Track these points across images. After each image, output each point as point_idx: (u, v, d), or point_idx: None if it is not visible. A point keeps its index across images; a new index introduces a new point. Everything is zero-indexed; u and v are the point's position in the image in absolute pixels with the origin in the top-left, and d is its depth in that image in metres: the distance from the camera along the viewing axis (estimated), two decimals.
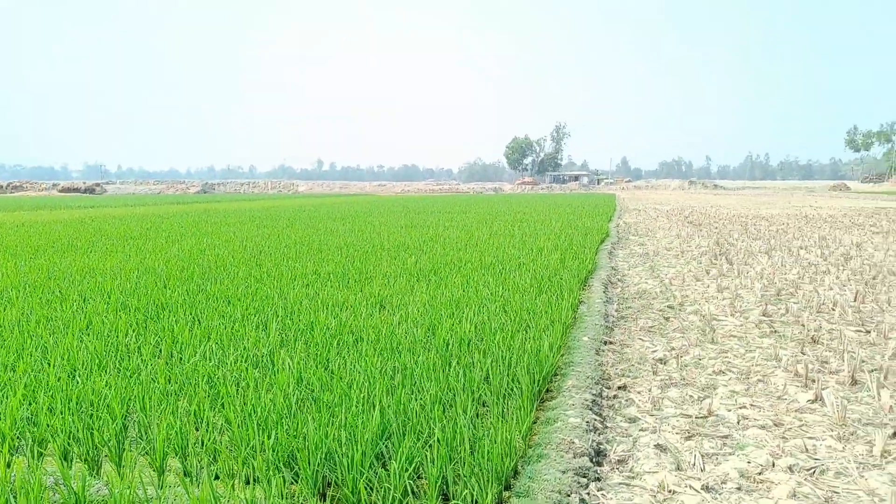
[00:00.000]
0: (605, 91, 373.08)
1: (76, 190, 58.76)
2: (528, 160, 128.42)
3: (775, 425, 2.74)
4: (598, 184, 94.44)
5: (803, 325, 4.52)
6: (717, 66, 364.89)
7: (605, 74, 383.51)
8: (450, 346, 3.28)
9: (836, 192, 54.65)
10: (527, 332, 3.67)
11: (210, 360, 3.11)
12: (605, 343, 4.05)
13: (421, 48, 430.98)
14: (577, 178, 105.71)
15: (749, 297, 5.67)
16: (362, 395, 2.51)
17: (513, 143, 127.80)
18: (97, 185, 62.93)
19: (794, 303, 5.38)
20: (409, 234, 10.49)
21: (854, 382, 3.27)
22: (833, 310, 5.04)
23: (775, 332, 4.41)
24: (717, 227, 14.03)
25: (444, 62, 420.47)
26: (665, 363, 3.69)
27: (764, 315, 4.89)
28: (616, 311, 5.12)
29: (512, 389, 2.77)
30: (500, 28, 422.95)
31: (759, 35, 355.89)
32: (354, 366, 2.97)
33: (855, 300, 5.43)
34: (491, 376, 2.86)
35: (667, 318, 4.90)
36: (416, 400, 2.49)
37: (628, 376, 3.41)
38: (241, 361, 3.08)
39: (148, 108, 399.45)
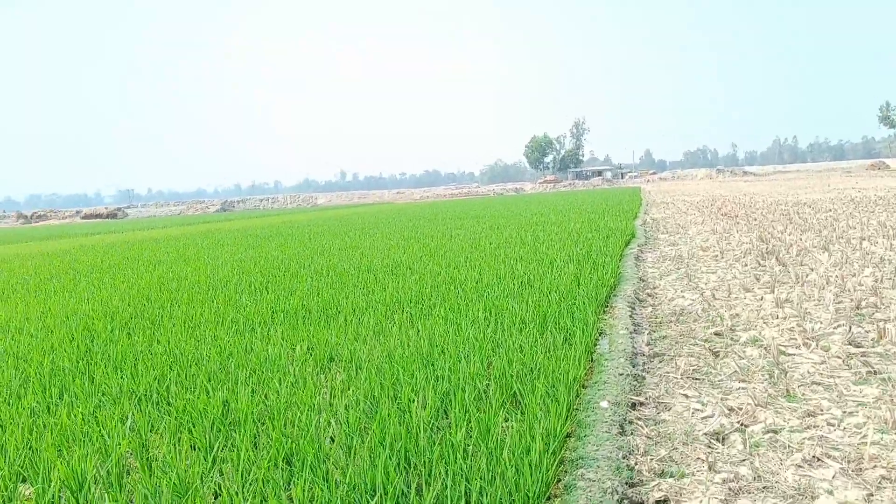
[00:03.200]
0: (624, 83, 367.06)
1: (99, 216, 59.22)
2: (548, 158, 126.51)
3: None
4: (623, 178, 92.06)
5: None
6: (737, 49, 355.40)
7: (623, 67, 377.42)
8: (387, 449, 2.12)
9: (875, 172, 51.74)
10: (517, 410, 2.51)
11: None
12: (633, 406, 2.86)
13: (439, 54, 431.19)
14: (599, 173, 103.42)
15: (820, 315, 4.39)
16: None
17: (532, 142, 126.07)
18: (119, 209, 63.49)
19: (885, 320, 4.09)
20: (409, 247, 9.39)
21: None
22: None
23: (875, 372, 3.15)
24: (755, 219, 12.57)
25: (461, 66, 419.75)
26: (724, 440, 2.49)
27: (851, 344, 3.62)
28: (647, 344, 3.91)
29: None
30: (516, 26, 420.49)
31: (778, 13, 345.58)
32: None
33: None
34: None
35: (716, 354, 3.67)
36: None
37: (670, 475, 2.22)
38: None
39: (177, 130, 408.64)
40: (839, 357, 3.41)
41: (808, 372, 3.24)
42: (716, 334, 4.09)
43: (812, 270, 6.16)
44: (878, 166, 63.91)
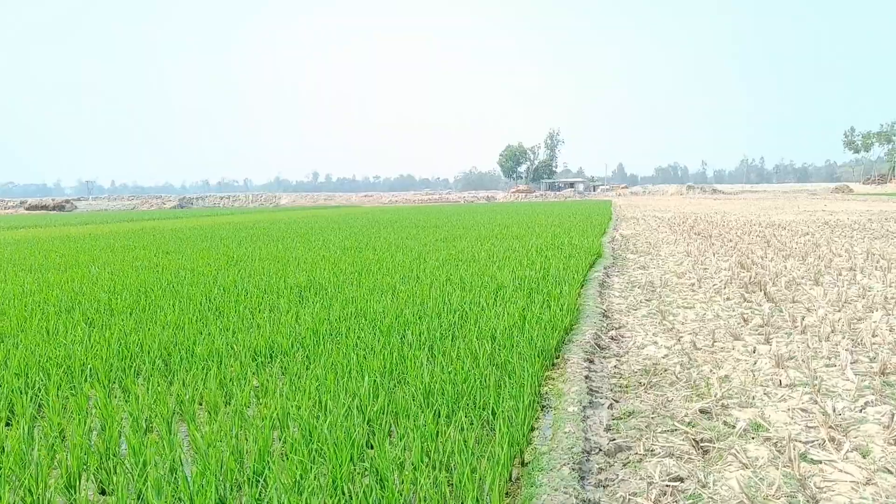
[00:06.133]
0: (599, 97, 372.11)
1: (45, 207, 55.81)
2: (522, 168, 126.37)
3: None
4: (594, 190, 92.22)
5: None
6: (711, 70, 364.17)
7: (599, 80, 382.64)
8: None
9: (840, 195, 52.51)
10: None
11: None
12: None
13: (417, 58, 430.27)
14: (572, 184, 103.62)
15: (837, 382, 3.28)
16: None
17: (506, 150, 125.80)
18: (67, 201, 60.00)
19: None
20: (343, 259, 8.09)
21: None
22: None
23: None
24: (731, 240, 11.66)
25: (438, 73, 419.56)
26: None
27: None
28: (607, 428, 2.71)
29: None
30: (494, 36, 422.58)
31: (752, 39, 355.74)
32: None
33: None
34: None
35: (705, 452, 2.50)
36: None
37: None
38: None
39: (145, 123, 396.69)
40: (890, 471, 2.27)
41: (847, 498, 2.09)
42: (702, 412, 2.93)
43: (808, 311, 5.10)
44: (841, 189, 65.21)
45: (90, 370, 3.09)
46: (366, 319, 4.14)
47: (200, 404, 2.86)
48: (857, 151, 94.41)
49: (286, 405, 2.45)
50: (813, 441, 2.55)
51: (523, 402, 2.49)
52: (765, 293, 5.81)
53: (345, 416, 2.35)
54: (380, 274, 6.52)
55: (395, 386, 2.76)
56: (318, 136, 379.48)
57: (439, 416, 2.48)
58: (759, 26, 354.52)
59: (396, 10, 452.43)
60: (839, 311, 5.06)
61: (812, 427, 2.70)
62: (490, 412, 2.50)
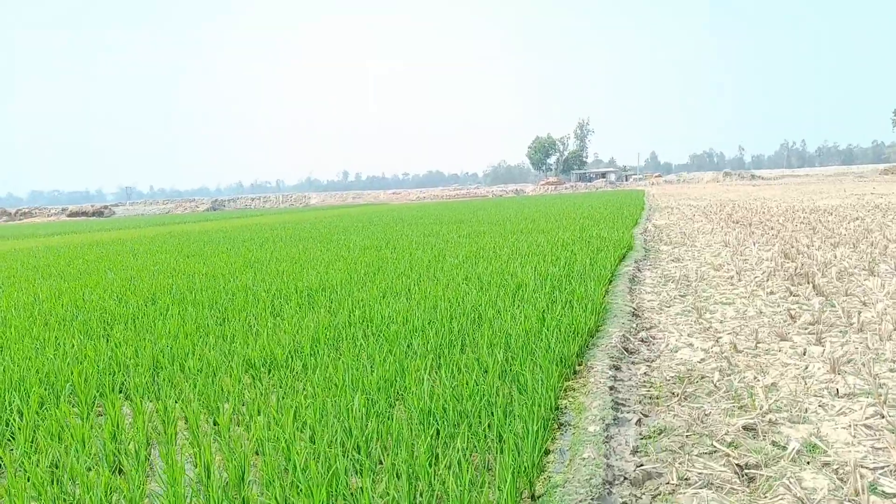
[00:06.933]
0: (630, 85, 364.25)
1: (84, 213, 57.68)
2: (551, 159, 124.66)
3: None
4: (627, 180, 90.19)
5: None
6: (746, 52, 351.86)
7: (629, 68, 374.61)
8: None
9: (890, 176, 49.93)
10: None
11: None
12: None
13: (445, 55, 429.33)
14: (603, 175, 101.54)
15: None
16: None
17: (535, 142, 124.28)
18: (106, 207, 61.81)
19: None
20: (360, 259, 7.86)
21: None
22: None
23: None
24: (772, 227, 10.98)
25: (465, 66, 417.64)
26: None
27: None
28: (634, 450, 2.36)
29: None
30: (523, 26, 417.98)
31: (788, 15, 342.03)
32: None
33: None
34: None
35: (751, 481, 2.13)
36: None
37: None
38: None
39: (182, 129, 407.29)
40: None
41: None
42: (746, 429, 2.54)
43: (865, 305, 4.59)
44: (891, 171, 62.01)
45: (70, 388, 2.89)
46: (372, 325, 3.86)
47: (185, 421, 2.63)
48: None
49: (265, 435, 2.17)
50: (883, 468, 2.15)
51: (534, 424, 2.15)
52: (813, 286, 5.30)
53: (329, 443, 2.05)
54: (395, 274, 6.24)
55: (391, 405, 2.46)
56: (349, 137, 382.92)
57: (437, 440, 2.17)
58: (797, 3, 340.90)
59: (428, 7, 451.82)
60: None
61: (880, 449, 2.29)
62: (497, 435, 2.17)
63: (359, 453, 2.11)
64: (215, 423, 2.46)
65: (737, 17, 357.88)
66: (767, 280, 5.83)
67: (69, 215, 58.19)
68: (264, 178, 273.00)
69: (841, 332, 3.92)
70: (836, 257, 6.97)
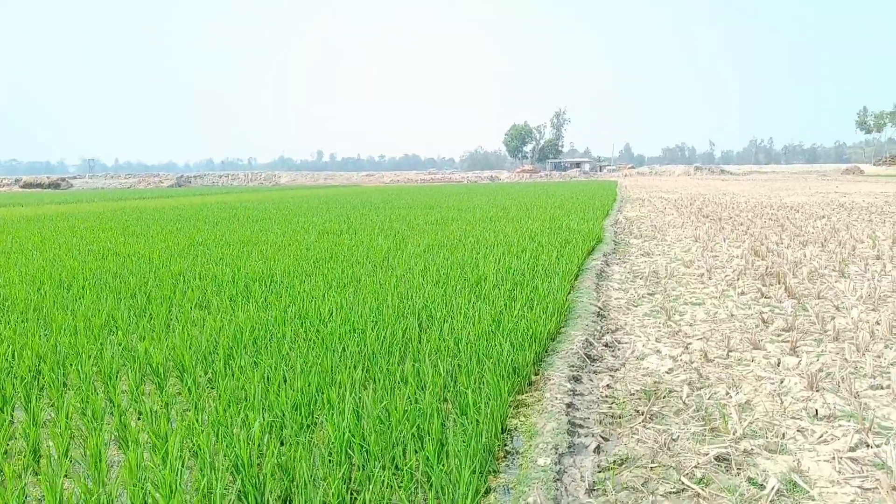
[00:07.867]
0: (607, 77, 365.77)
1: (39, 185, 54.95)
2: (528, 147, 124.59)
3: None
4: (601, 170, 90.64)
5: None
6: (719, 49, 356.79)
7: (607, 60, 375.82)
8: None
9: (851, 176, 51.20)
10: None
11: None
12: None
13: (423, 37, 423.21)
14: (578, 164, 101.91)
15: (890, 413, 2.56)
16: None
17: (512, 130, 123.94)
18: (63, 179, 59.07)
19: None
20: (317, 245, 7.38)
21: None
22: None
23: None
24: (742, 223, 10.87)
25: (444, 50, 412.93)
26: None
27: None
28: (589, 489, 2.01)
29: None
30: (504, 13, 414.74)
31: (761, 16, 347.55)
32: None
33: None
34: None
35: None
36: None
37: None
38: None
39: (150, 102, 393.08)
40: None
41: None
42: (718, 460, 2.21)
43: (838, 310, 4.36)
44: (852, 170, 63.72)
45: None
46: (306, 323, 3.43)
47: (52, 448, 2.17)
48: (868, 132, 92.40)
49: (140, 476, 1.74)
50: None
51: (473, 461, 1.77)
52: (785, 287, 5.07)
53: (205, 493, 1.63)
54: (349, 262, 5.80)
55: (302, 431, 2.05)
56: (323, 116, 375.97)
57: (352, 478, 1.78)
58: (770, 4, 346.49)
59: None
60: (874, 309, 4.32)
61: (869, 490, 1.98)
62: (425, 476, 1.79)
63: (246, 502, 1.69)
64: (85, 454, 2.01)
65: (712, 18, 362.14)
66: (738, 279, 5.59)
67: (22, 186, 55.42)
68: (236, 156, 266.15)
69: (816, 340, 3.66)
70: (805, 256, 6.80)
